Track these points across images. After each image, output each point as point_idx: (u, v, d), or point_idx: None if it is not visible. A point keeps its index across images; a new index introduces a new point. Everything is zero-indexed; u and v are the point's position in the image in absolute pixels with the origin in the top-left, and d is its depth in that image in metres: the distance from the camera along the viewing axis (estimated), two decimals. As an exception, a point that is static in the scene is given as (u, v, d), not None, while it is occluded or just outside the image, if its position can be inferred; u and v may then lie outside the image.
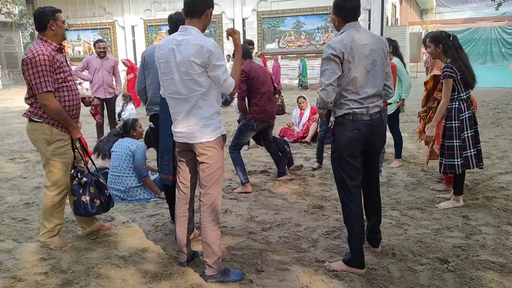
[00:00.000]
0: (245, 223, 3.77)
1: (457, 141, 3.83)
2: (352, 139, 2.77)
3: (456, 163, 3.84)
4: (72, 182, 3.36)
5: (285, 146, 5.17)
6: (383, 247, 3.19)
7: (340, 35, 2.76)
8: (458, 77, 3.75)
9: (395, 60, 5.17)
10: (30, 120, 3.25)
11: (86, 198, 3.30)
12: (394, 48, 5.15)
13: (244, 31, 17.95)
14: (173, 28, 3.25)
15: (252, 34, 17.50)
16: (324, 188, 4.72)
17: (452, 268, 2.85)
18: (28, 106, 3.28)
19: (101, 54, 7.12)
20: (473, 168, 3.91)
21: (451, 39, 3.84)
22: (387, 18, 17.62)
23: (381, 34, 16.37)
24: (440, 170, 4.00)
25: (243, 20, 18.06)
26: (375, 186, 3.07)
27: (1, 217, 4.14)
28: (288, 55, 17.54)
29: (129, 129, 4.62)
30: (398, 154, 5.56)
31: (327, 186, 4.76)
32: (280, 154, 5.05)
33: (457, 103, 3.83)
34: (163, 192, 4.53)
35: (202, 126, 2.65)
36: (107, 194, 3.51)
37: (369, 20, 16.71)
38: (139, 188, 4.45)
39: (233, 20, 17.95)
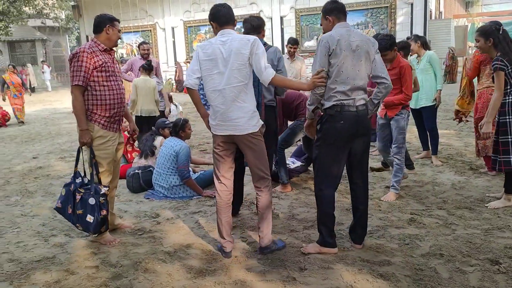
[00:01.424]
0: (286, 221, 3.78)
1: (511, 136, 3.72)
2: (340, 130, 2.95)
3: (510, 159, 3.70)
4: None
5: None
6: (430, 247, 3.11)
7: (331, 31, 2.98)
8: (510, 70, 3.63)
9: (430, 53, 5.37)
10: None
11: (90, 219, 3.34)
12: (423, 44, 5.35)
13: (282, 29, 17.90)
14: (249, 30, 3.76)
15: (290, 32, 17.40)
16: (367, 186, 4.63)
17: (504, 270, 2.74)
18: None
19: (145, 56, 7.31)
20: None
21: (501, 32, 3.74)
22: (430, 11, 17.05)
23: (425, 28, 15.87)
24: (494, 168, 3.88)
25: (281, 18, 18.01)
26: (362, 186, 3.19)
27: (53, 213, 4.33)
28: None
29: (178, 129, 4.72)
30: (434, 151, 5.47)
31: (370, 185, 4.65)
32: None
33: (510, 97, 3.70)
34: (205, 190, 4.64)
35: (248, 119, 2.96)
36: (78, 214, 3.35)
37: (412, 14, 16.23)
38: (182, 186, 4.55)
39: (271, 18, 17.92)
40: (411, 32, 16.14)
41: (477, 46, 3.99)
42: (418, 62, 5.47)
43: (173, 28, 19.78)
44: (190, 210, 4.19)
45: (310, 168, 5.38)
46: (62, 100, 17.37)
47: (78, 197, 3.36)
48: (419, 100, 5.43)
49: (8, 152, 7.70)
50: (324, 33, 3.07)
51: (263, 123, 3.10)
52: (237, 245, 3.33)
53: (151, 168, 4.96)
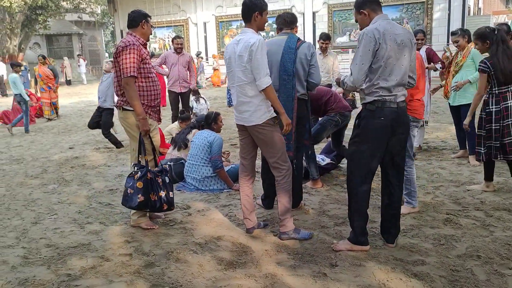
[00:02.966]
0: (317, 217, 3.75)
1: (483, 131, 4.11)
2: (379, 126, 2.89)
3: (481, 151, 4.13)
4: (129, 174, 3.56)
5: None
6: (467, 248, 3.01)
7: (374, 24, 2.88)
8: (492, 72, 3.94)
9: (474, 50, 5.00)
10: (123, 109, 3.55)
11: (130, 191, 3.45)
12: (469, 39, 5.24)
13: (314, 25, 17.75)
14: (281, 25, 3.80)
15: (322, 28, 17.23)
16: (400, 184, 4.54)
17: (546, 275, 2.63)
18: (120, 97, 3.58)
19: (178, 50, 7.40)
20: (497, 159, 4.06)
21: (496, 33, 3.95)
22: (469, 7, 16.50)
23: (462, 25, 15.37)
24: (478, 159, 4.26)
25: (313, 13, 17.85)
26: (397, 185, 3.08)
27: (89, 201, 4.48)
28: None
29: (210, 121, 4.77)
30: (472, 151, 5.17)
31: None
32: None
33: (487, 96, 4.08)
34: (235, 184, 4.66)
35: (253, 112, 3.15)
36: (162, 196, 3.50)
37: (449, 9, 15.76)
38: (213, 178, 4.59)
39: (303, 14, 17.79)
40: (448, 29, 15.69)
41: (477, 48, 4.25)
42: (460, 55, 5.33)
43: (205, 23, 19.96)
44: (220, 203, 4.22)
45: (341, 164, 5.33)
46: (96, 93, 17.77)
47: (160, 180, 3.54)
48: (458, 97, 5.30)
49: (46, 142, 7.96)
50: (361, 28, 2.99)
51: (275, 115, 3.20)
52: (267, 239, 3.34)
53: (182, 161, 5.02)
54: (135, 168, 3.56)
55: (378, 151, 2.95)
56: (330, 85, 6.30)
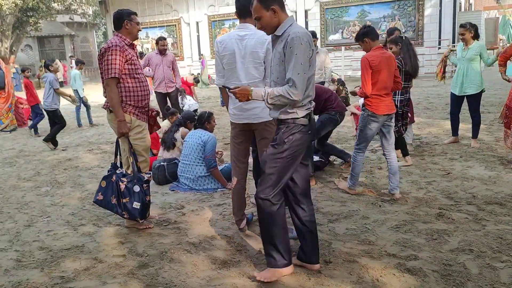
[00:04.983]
0: (311, 214, 3.75)
1: None
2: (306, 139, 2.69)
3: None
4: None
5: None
6: (459, 242, 3.04)
7: (297, 27, 2.54)
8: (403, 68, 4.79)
9: (481, 44, 5.65)
10: (110, 111, 3.50)
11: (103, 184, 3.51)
12: (475, 33, 5.53)
13: (306, 23, 17.75)
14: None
15: (314, 26, 17.25)
16: (393, 181, 4.56)
17: (538, 268, 2.65)
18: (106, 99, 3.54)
19: (163, 51, 7.39)
20: None
21: (404, 39, 4.90)
22: (460, 3, 16.56)
23: (453, 21, 15.45)
24: None
25: (306, 11, 17.86)
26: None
27: (82, 203, 4.46)
28: (352, 46, 17.10)
29: (204, 121, 4.76)
30: (476, 135, 5.75)
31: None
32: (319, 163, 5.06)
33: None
34: (229, 183, 4.65)
35: (263, 108, 3.03)
36: (123, 203, 3.43)
37: (440, 5, 15.81)
38: (207, 178, 4.58)
39: (296, 12, 17.79)
40: (440, 25, 15.76)
41: (392, 51, 4.75)
42: (464, 50, 5.65)
43: (197, 23, 19.90)
44: (214, 202, 4.21)
45: (335, 162, 5.34)
46: (90, 94, 17.59)
47: (122, 186, 3.45)
48: (465, 88, 5.64)
49: (39, 145, 7.91)
50: (261, 29, 2.66)
51: None
52: (260, 238, 3.33)
53: (176, 161, 5.01)
54: (110, 166, 3.60)
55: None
56: (323, 83, 6.32)
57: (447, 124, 6.31)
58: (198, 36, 19.97)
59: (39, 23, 23.63)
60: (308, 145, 2.71)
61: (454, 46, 6.61)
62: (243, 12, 3.12)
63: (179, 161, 4.88)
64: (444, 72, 6.32)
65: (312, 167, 4.59)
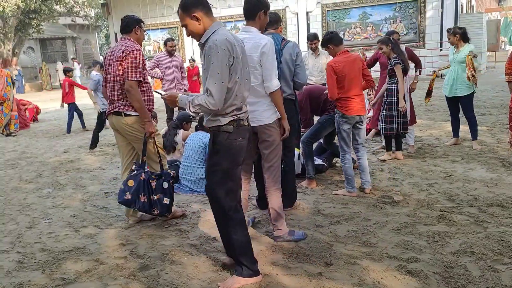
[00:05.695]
0: (312, 216, 3.76)
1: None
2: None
3: None
4: (130, 171, 3.62)
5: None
6: (460, 244, 3.03)
7: (219, 34, 2.48)
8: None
9: (471, 47, 5.70)
10: (125, 114, 3.54)
11: (121, 187, 3.52)
12: (462, 36, 5.59)
13: (308, 25, 17.78)
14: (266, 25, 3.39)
15: (316, 28, 17.27)
16: (394, 183, 4.56)
17: (539, 270, 2.64)
18: (121, 101, 3.58)
19: (172, 52, 7.38)
20: None
21: (392, 39, 5.22)
22: (461, 5, 16.56)
23: (455, 23, 15.44)
24: None
25: (307, 13, 17.88)
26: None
27: (83, 204, 4.47)
28: (354, 48, 17.11)
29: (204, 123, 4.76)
30: (475, 136, 5.77)
31: (397, 181, 4.59)
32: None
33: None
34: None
35: (262, 111, 3.08)
36: (154, 199, 3.51)
37: (442, 7, 15.81)
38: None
39: (297, 14, 17.81)
40: (442, 27, 15.75)
41: (382, 52, 5.22)
42: (455, 53, 5.71)
43: (199, 25, 19.91)
44: (215, 204, 4.21)
45: (337, 164, 5.34)
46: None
47: (153, 183, 3.53)
48: (456, 89, 5.69)
49: (41, 146, 7.94)
50: (189, 35, 2.63)
51: (279, 116, 3.16)
52: (262, 239, 3.34)
53: (177, 163, 5.02)
54: (134, 166, 3.59)
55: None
56: (325, 84, 6.31)
57: (449, 126, 6.31)
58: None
59: (42, 25, 23.72)
60: (243, 150, 2.67)
61: (439, 70, 6.62)
62: (246, 15, 3.16)
63: (180, 163, 4.88)
64: (430, 95, 6.40)
65: (314, 170, 4.59)
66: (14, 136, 9.26)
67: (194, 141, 4.64)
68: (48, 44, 30.06)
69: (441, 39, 15.96)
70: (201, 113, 2.65)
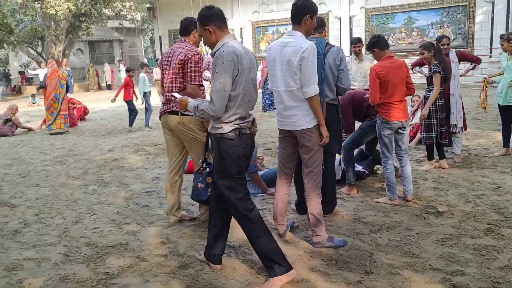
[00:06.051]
0: (352, 223, 3.70)
1: None
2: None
3: None
4: (198, 170, 3.62)
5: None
6: (509, 259, 2.89)
7: (227, 46, 2.67)
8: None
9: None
10: (182, 114, 3.60)
11: (201, 185, 3.53)
12: None
13: (351, 29, 17.57)
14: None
15: (359, 32, 17.02)
16: (438, 192, 4.41)
17: None
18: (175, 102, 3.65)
19: None
20: None
21: (435, 45, 5.06)
22: (513, 9, 15.83)
23: (507, 28, 14.78)
24: None
25: (350, 18, 17.67)
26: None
27: (127, 202, 4.60)
28: (398, 53, 16.73)
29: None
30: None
31: (442, 191, 4.44)
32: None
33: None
34: (269, 189, 4.66)
35: (302, 116, 3.07)
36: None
37: (493, 12, 15.19)
38: (247, 183, 4.60)
39: (340, 18, 17.65)
40: (492, 33, 15.12)
41: (423, 57, 5.06)
42: (509, 59, 5.53)
43: (241, 29, 20.14)
44: (254, 207, 4.22)
45: (379, 171, 5.23)
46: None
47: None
48: (510, 98, 5.50)
49: (87, 145, 8.26)
50: (205, 44, 2.87)
51: (318, 122, 3.12)
52: (300, 244, 3.33)
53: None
54: (203, 164, 3.63)
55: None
56: (368, 89, 6.20)
57: (498, 136, 6.05)
58: (241, 42, 20.18)
59: (91, 28, 24.70)
60: (247, 155, 2.82)
61: (489, 76, 6.31)
62: (293, 19, 3.17)
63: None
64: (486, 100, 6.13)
65: (354, 176, 4.52)
66: (64, 134, 9.68)
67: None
68: (96, 46, 31.26)
69: (491, 45, 15.32)
70: (206, 118, 2.79)
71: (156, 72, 12.93)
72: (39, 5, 20.09)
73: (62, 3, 19.17)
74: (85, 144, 8.39)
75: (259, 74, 8.90)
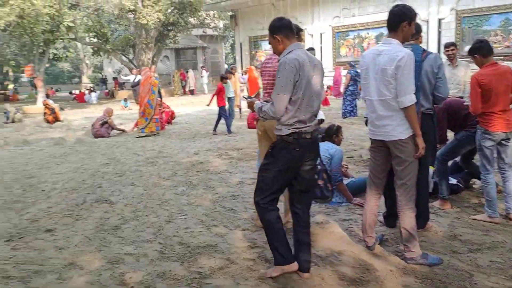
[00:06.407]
0: (447, 241, 3.49)
1: None
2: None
3: None
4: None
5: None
6: None
7: (292, 53, 2.87)
8: None
9: None
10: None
11: (321, 182, 3.58)
12: None
13: (439, 33, 16.63)
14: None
15: (448, 36, 16.03)
16: (546, 212, 4.01)
17: None
18: None
19: None
20: None
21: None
22: None
23: None
24: None
25: (439, 20, 16.74)
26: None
27: (213, 205, 4.77)
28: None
29: (332, 134, 4.79)
30: None
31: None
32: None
33: None
34: (354, 199, 4.56)
35: (395, 126, 3.00)
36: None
37: None
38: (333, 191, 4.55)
39: (427, 21, 16.79)
40: None
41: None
42: None
43: (321, 34, 19.99)
44: (339, 217, 4.17)
45: (475, 185, 4.89)
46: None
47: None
48: None
49: (174, 147, 8.69)
50: (274, 52, 3.11)
51: (413, 133, 3.02)
52: (391, 259, 3.22)
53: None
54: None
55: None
56: (461, 97, 5.84)
57: None
58: (321, 47, 20.05)
59: (177, 36, 26.06)
60: (297, 159, 2.89)
61: None
62: (389, 26, 3.10)
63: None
64: None
65: (448, 190, 4.27)
66: (154, 136, 10.28)
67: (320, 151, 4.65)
68: (181, 53, 32.88)
69: None
70: (268, 119, 2.92)
71: (238, 78, 13.26)
72: (133, 15, 21.60)
73: (153, 13, 20.46)
74: (172, 146, 8.84)
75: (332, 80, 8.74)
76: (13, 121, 14.66)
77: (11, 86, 34.00)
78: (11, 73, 39.40)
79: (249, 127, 8.10)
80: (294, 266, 2.97)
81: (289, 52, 2.86)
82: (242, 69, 22.53)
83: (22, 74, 37.96)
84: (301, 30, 3.86)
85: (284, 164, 2.88)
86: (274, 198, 2.96)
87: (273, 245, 2.99)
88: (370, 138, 3.26)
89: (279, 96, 2.76)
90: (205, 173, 6.32)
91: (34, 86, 31.86)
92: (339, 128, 4.79)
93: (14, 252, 3.57)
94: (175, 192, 5.33)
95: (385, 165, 3.26)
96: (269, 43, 3.05)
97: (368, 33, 18.01)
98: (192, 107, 18.03)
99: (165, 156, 7.79)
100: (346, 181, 4.79)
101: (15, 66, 34.28)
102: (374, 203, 3.34)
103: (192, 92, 26.42)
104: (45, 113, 14.05)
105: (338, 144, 4.78)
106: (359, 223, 3.94)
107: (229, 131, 10.13)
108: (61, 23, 18.34)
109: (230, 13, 24.92)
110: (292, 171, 2.93)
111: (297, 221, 3.07)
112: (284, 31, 2.92)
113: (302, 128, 2.84)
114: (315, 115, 2.95)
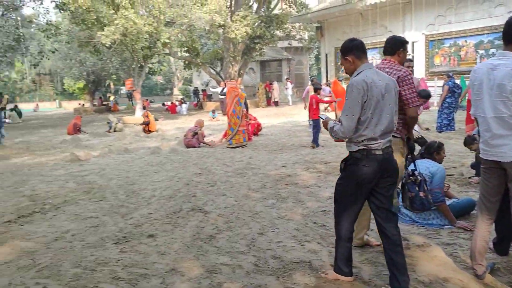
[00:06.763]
0: None
1: None
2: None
3: None
4: (407, 179, 3.68)
5: None
6: None
7: (361, 75, 2.94)
8: None
9: None
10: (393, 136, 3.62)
11: (422, 194, 3.52)
12: None
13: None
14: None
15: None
16: None
17: None
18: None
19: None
20: None
21: None
22: None
23: None
24: None
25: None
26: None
27: (304, 219, 4.74)
28: None
29: (433, 151, 4.54)
30: None
31: None
32: None
33: None
34: (458, 221, 4.25)
35: None
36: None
37: None
38: (432, 212, 4.29)
39: None
40: None
41: None
42: None
43: (413, 43, 19.14)
44: (442, 240, 3.90)
45: None
46: (301, 114, 18.85)
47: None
48: None
49: (262, 159, 8.83)
50: (346, 72, 3.11)
51: None
52: (504, 291, 2.93)
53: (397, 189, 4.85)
54: (415, 173, 3.83)
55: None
56: None
57: None
58: (412, 56, 19.19)
59: (263, 49, 26.63)
60: (368, 175, 2.90)
61: None
62: (505, 38, 2.89)
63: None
64: None
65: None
66: (241, 147, 10.55)
67: (420, 169, 4.41)
68: (266, 65, 33.54)
69: None
70: (338, 137, 2.98)
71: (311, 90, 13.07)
72: (222, 30, 22.51)
73: (241, 27, 21.15)
74: (260, 158, 8.98)
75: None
76: (114, 130, 15.99)
77: (112, 98, 37.21)
78: (112, 86, 43.14)
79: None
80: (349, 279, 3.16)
81: (359, 73, 2.92)
82: (327, 80, 22.35)
83: (122, 87, 41.45)
84: (406, 42, 3.71)
85: (354, 179, 2.95)
86: (348, 211, 3.08)
87: (336, 254, 3.21)
88: (482, 158, 3.02)
89: (347, 117, 2.86)
90: (294, 186, 6.31)
91: (130, 97, 34.64)
92: (441, 145, 4.52)
93: (122, 255, 3.84)
94: (265, 205, 5.39)
95: (499, 188, 3.01)
96: (341, 64, 3.16)
97: (466, 41, 16.87)
98: (277, 118, 18.24)
99: (253, 167, 7.94)
100: (448, 201, 4.48)
101: (116, 80, 37.57)
102: (486, 229, 3.08)
103: (276, 103, 26.75)
104: (144, 123, 15.19)
105: (440, 162, 4.51)
106: (464, 248, 3.66)
107: (316, 144, 10.01)
108: (158, 40, 19.68)
109: (316, 25, 24.91)
110: (366, 187, 2.94)
111: (386, 240, 3.01)
112: (355, 52, 2.97)
113: (371, 144, 2.88)
114: (389, 132, 2.93)
